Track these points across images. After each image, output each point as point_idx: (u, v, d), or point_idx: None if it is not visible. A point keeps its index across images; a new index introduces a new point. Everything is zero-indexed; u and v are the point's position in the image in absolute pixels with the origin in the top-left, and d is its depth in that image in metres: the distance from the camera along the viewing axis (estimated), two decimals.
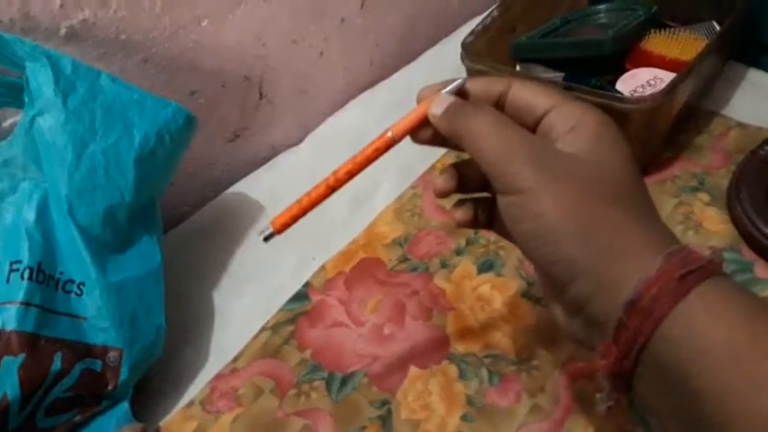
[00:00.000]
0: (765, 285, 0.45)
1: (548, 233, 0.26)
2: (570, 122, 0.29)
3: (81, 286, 0.40)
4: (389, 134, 0.33)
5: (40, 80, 0.39)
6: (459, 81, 0.32)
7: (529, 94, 0.31)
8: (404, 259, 0.52)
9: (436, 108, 0.31)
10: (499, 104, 0.32)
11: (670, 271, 0.24)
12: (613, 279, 0.25)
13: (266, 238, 0.34)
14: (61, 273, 0.40)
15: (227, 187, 0.60)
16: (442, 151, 0.60)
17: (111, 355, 0.40)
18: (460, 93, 0.32)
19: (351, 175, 0.33)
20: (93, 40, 0.46)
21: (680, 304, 0.23)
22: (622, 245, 0.26)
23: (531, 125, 0.31)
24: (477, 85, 0.32)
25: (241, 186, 0.60)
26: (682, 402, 0.24)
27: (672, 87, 0.48)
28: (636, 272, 0.24)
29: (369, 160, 0.33)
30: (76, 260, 0.40)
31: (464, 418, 0.42)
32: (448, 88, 0.32)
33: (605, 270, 0.25)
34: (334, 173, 0.33)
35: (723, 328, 0.23)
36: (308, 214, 0.57)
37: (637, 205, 0.27)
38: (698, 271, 0.24)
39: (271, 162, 0.63)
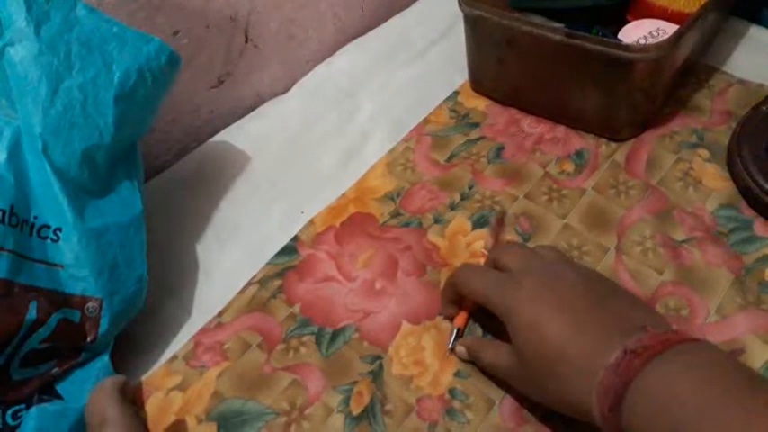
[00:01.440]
0: (764, 243, 0.45)
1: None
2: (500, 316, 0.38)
3: (57, 232, 0.37)
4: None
5: (11, 7, 0.36)
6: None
7: (469, 295, 0.41)
8: (396, 214, 0.50)
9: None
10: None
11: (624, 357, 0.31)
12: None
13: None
14: (36, 217, 0.37)
15: (211, 136, 0.57)
16: (435, 104, 0.58)
17: (91, 305, 0.38)
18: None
19: None
20: None
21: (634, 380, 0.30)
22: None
23: None
24: (444, 307, 0.44)
25: (225, 135, 0.57)
26: None
27: (677, 37, 0.46)
28: (584, 389, 0.32)
29: None
30: (52, 204, 0.37)
31: (457, 374, 0.41)
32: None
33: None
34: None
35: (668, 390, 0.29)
36: (296, 165, 0.55)
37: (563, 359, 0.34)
38: (648, 351, 0.30)
39: (256, 111, 0.60)
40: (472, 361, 0.41)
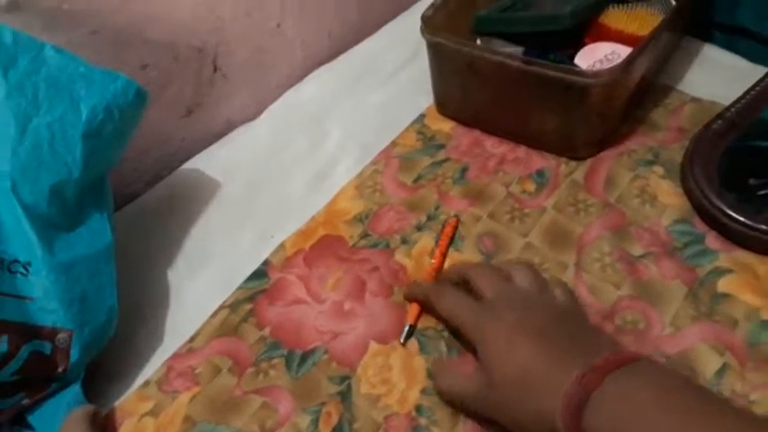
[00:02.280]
0: (716, 256, 0.46)
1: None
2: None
3: (27, 266, 0.38)
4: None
5: None
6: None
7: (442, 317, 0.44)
8: (365, 235, 0.52)
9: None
10: None
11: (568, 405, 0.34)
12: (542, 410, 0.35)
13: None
14: (4, 252, 0.38)
15: (181, 164, 0.59)
16: (402, 127, 0.60)
17: (61, 336, 0.39)
18: None
19: None
20: (35, 10, 0.44)
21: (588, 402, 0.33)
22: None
23: None
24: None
25: (196, 162, 0.59)
26: None
27: (629, 62, 0.48)
28: (552, 405, 0.34)
29: None
30: (21, 239, 0.38)
31: (424, 391, 0.42)
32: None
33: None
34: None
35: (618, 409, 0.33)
36: (267, 190, 0.57)
37: (521, 383, 0.37)
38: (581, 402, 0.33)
39: (226, 137, 0.61)
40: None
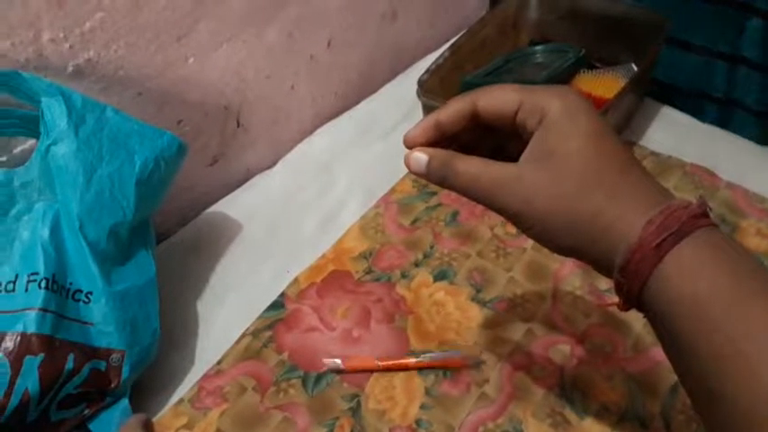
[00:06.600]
0: None
1: (546, 232, 0.32)
2: (536, 117, 0.32)
3: (89, 295, 0.45)
4: None
5: (55, 113, 0.45)
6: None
7: (495, 103, 0.33)
8: (369, 271, 0.59)
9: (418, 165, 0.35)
10: (476, 120, 0.34)
11: (648, 239, 0.29)
12: (605, 251, 0.30)
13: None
14: (71, 283, 0.45)
15: (206, 207, 0.65)
16: (399, 176, 0.67)
17: (115, 356, 0.45)
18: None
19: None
20: (95, 77, 0.51)
21: (657, 268, 0.29)
22: (607, 221, 0.30)
23: (510, 126, 0.33)
24: (447, 114, 0.35)
25: (220, 206, 0.66)
26: (668, 338, 0.30)
27: None
28: (622, 241, 0.29)
29: None
30: (85, 272, 0.45)
31: (422, 406, 0.49)
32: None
33: (597, 246, 0.31)
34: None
35: (689, 283, 0.28)
36: (283, 231, 0.64)
37: (611, 174, 0.31)
38: (675, 233, 0.29)
39: (246, 184, 0.68)
40: (428, 178, 0.35)
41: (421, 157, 0.35)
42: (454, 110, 0.35)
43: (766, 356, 0.26)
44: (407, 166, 0.36)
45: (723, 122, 0.70)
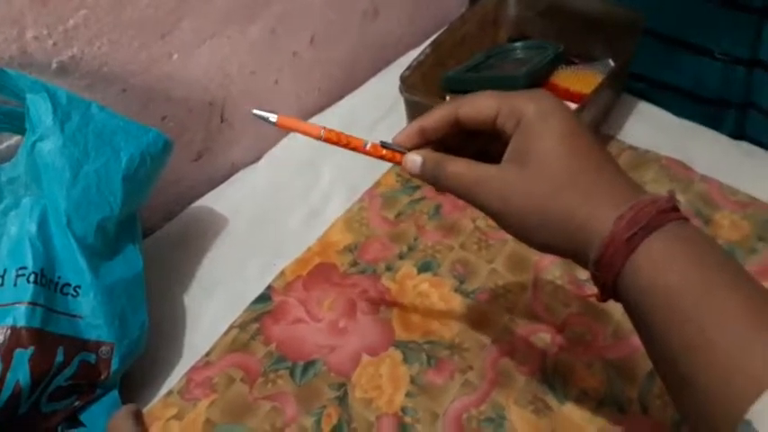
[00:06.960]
0: None
1: (523, 229, 0.34)
2: (513, 120, 0.34)
3: (77, 289, 0.45)
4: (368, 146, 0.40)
5: (40, 110, 0.45)
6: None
7: (475, 110, 0.35)
8: (354, 263, 0.60)
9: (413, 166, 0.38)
10: (459, 126, 0.37)
11: (619, 233, 0.30)
12: (581, 247, 0.32)
13: (259, 116, 0.40)
14: (59, 277, 0.45)
15: (192, 202, 0.66)
16: (383, 171, 0.68)
17: (104, 348, 0.46)
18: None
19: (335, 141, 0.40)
20: (79, 74, 0.52)
21: (628, 260, 0.30)
22: (581, 219, 0.32)
23: (492, 131, 0.35)
24: (430, 120, 0.37)
25: (205, 201, 0.66)
26: (643, 327, 0.32)
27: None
28: (595, 237, 0.31)
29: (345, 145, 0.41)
30: (73, 266, 0.45)
31: (408, 394, 0.50)
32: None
33: (572, 242, 0.32)
34: (329, 131, 0.40)
35: (661, 275, 0.30)
36: (268, 225, 0.64)
37: (584, 172, 0.32)
38: (645, 227, 0.30)
39: (231, 178, 0.69)
40: (423, 177, 0.37)
41: (416, 158, 0.37)
42: (437, 117, 0.37)
43: (735, 346, 0.27)
44: (404, 166, 0.38)
45: (740, 127, 0.69)
